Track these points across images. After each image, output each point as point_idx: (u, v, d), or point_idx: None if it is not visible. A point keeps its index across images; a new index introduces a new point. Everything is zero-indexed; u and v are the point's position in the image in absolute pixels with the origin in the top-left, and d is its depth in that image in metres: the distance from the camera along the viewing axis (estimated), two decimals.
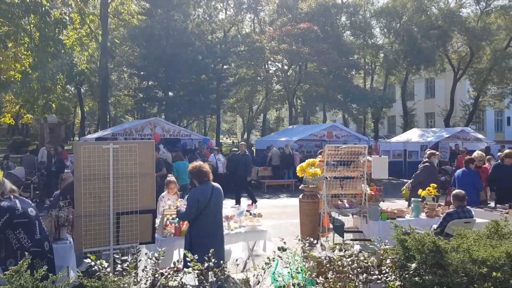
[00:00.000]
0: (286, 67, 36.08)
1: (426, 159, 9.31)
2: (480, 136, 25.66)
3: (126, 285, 3.41)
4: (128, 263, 3.61)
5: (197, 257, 3.92)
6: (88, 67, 26.48)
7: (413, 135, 26.07)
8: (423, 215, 7.53)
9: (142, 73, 34.54)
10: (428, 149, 10.95)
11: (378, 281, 4.15)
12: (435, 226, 6.38)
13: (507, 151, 9.62)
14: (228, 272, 3.96)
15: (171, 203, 6.78)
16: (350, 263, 4.21)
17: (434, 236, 4.14)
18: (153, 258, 3.80)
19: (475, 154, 9.86)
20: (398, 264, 4.18)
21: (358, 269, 4.18)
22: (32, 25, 17.65)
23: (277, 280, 4.42)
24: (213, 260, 3.78)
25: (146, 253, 4.31)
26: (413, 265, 4.01)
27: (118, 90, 40.40)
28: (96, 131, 34.32)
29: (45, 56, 16.76)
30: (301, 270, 4.24)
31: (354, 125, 43.03)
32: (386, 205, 8.50)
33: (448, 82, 36.87)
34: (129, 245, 5.20)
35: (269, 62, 37.00)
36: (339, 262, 4.24)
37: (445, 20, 30.44)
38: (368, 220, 7.15)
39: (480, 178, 9.11)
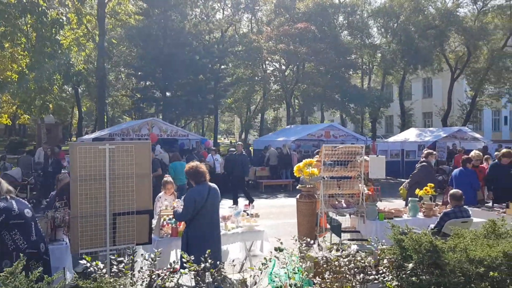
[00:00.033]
0: (283, 67, 36.07)
1: (424, 159, 9.32)
2: (477, 135, 25.70)
3: (122, 286, 3.39)
4: (124, 264, 3.59)
5: (193, 258, 3.91)
6: (85, 67, 26.47)
7: (410, 134, 26.09)
8: (420, 215, 7.53)
9: (139, 73, 34.48)
10: (425, 149, 10.96)
11: (375, 281, 4.14)
12: (432, 225, 6.38)
13: (504, 150, 9.63)
14: (225, 272, 3.95)
15: (167, 204, 6.77)
16: (347, 263, 4.20)
17: (431, 236, 4.13)
18: (149, 259, 3.79)
19: (472, 153, 9.88)
20: (395, 264, 4.17)
21: (355, 269, 4.18)
22: (28, 25, 17.61)
23: (274, 281, 4.40)
24: (209, 260, 3.76)
25: (142, 254, 4.29)
26: (410, 265, 4.01)
27: (115, 91, 40.35)
28: (93, 131, 34.28)
29: (42, 56, 16.72)
30: (298, 270, 4.23)
31: (352, 125, 43.06)
32: (384, 204, 8.49)
33: (445, 82, 36.94)
34: (125, 246, 5.19)
35: (267, 62, 37.01)
36: (336, 263, 4.23)
37: (442, 20, 30.50)
38: (365, 220, 7.14)
39: (477, 178, 9.12)
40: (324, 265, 4.27)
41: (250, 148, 28.29)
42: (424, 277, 3.90)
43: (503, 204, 7.80)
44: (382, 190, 8.65)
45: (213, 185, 5.55)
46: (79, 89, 38.05)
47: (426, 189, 7.66)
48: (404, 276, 3.98)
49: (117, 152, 5.21)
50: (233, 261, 4.33)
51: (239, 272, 5.74)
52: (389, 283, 4.00)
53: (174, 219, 6.12)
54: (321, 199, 6.97)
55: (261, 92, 38.84)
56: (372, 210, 7.16)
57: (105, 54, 27.35)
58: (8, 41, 16.88)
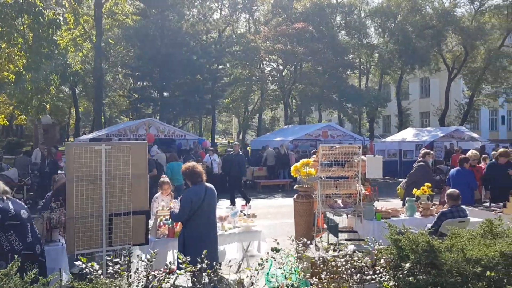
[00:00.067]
0: (281, 67, 36.07)
1: (421, 159, 9.32)
2: (474, 135, 25.74)
3: (117, 287, 3.37)
4: (119, 265, 3.57)
5: (190, 259, 3.89)
6: (82, 67, 26.39)
7: (408, 134, 26.13)
8: (417, 215, 7.53)
9: (137, 73, 34.42)
10: (422, 149, 10.96)
11: (372, 281, 4.13)
12: (429, 225, 6.37)
13: (501, 150, 9.65)
14: (222, 273, 3.94)
15: (164, 204, 6.75)
16: (344, 263, 4.19)
17: (428, 236, 4.13)
18: (145, 260, 3.77)
19: (469, 153, 9.88)
20: (392, 264, 4.16)
21: (352, 270, 4.17)
22: (25, 26, 17.57)
23: (270, 281, 4.39)
24: (206, 261, 3.75)
25: (138, 255, 4.27)
26: (407, 265, 4.00)
27: (113, 91, 40.27)
28: (91, 131, 34.20)
29: (39, 56, 16.69)
30: (295, 271, 4.21)
31: (350, 124, 43.08)
32: (381, 204, 8.49)
33: (442, 82, 36.99)
34: (122, 247, 5.16)
35: (264, 62, 37.00)
36: (333, 263, 4.22)
37: (440, 20, 30.53)
38: (362, 220, 7.14)
39: (474, 177, 9.12)
40: (321, 266, 4.26)
41: (248, 148, 28.28)
42: (421, 277, 3.89)
43: (500, 203, 7.80)
44: (379, 190, 8.64)
45: (210, 185, 5.54)
46: (76, 90, 37.96)
47: (423, 189, 7.66)
48: (401, 276, 3.97)
49: (113, 152, 5.20)
50: (229, 261, 4.31)
51: (236, 272, 5.72)
52: (386, 283, 3.99)
53: (170, 220, 6.10)
54: (318, 199, 6.96)
55: (258, 92, 38.82)
56: (369, 210, 7.16)
57: (102, 55, 27.30)
58: (5, 41, 16.84)
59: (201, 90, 34.03)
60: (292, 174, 7.73)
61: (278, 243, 4.19)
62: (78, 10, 22.82)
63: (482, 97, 34.87)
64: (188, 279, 3.80)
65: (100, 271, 3.47)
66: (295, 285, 4.05)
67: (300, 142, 24.85)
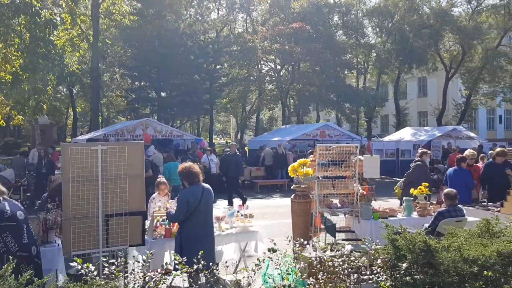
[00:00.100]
0: (278, 67, 36.06)
1: (418, 158, 9.33)
2: (472, 134, 25.77)
3: None
4: (115, 266, 3.55)
5: (186, 259, 3.88)
6: (79, 67, 26.37)
7: (405, 134, 26.14)
8: (415, 214, 7.53)
9: (134, 73, 34.38)
10: (420, 148, 10.98)
11: (370, 281, 4.13)
12: (426, 225, 6.37)
13: (498, 149, 9.66)
14: (218, 273, 3.92)
15: (161, 205, 6.72)
16: (341, 263, 4.18)
17: (425, 236, 4.12)
18: (141, 261, 3.75)
19: (466, 152, 9.88)
20: (389, 264, 4.16)
21: (349, 270, 4.16)
22: (22, 26, 17.52)
23: (267, 282, 4.38)
24: (202, 262, 3.73)
25: (134, 256, 4.25)
26: (404, 265, 3.99)
27: (110, 91, 40.21)
28: (88, 132, 34.13)
29: (36, 57, 16.65)
30: (292, 271, 4.20)
31: (348, 124, 43.11)
32: (378, 204, 8.48)
33: (440, 81, 37.04)
34: (118, 248, 5.14)
35: (262, 62, 36.97)
36: (330, 263, 4.21)
37: (437, 19, 30.58)
38: (360, 219, 7.13)
39: (471, 177, 9.13)
40: (318, 266, 4.24)
41: (246, 148, 28.26)
42: (418, 276, 3.89)
43: (498, 203, 7.80)
44: (377, 190, 8.65)
45: (207, 185, 5.52)
46: (73, 90, 37.88)
47: (420, 189, 7.65)
48: (398, 276, 3.97)
49: (109, 153, 5.17)
50: (225, 262, 4.30)
51: (233, 273, 5.71)
52: (383, 283, 3.98)
53: (167, 220, 6.08)
54: (315, 199, 6.95)
55: (256, 92, 38.79)
56: (367, 209, 7.15)
57: (99, 55, 27.24)
58: (2, 41, 16.79)
59: (198, 90, 34.01)
60: (289, 174, 7.72)
61: (275, 243, 4.18)
62: (75, 10, 22.74)
63: (479, 97, 34.95)
64: (185, 280, 3.78)
65: (95, 272, 3.46)
66: (292, 286, 4.03)
67: (297, 142, 24.84)
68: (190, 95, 32.82)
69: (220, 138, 67.58)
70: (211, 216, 5.62)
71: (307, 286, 4.18)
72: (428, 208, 7.54)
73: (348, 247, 4.79)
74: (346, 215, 7.45)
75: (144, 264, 3.74)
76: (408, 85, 45.15)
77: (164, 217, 6.23)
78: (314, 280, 4.12)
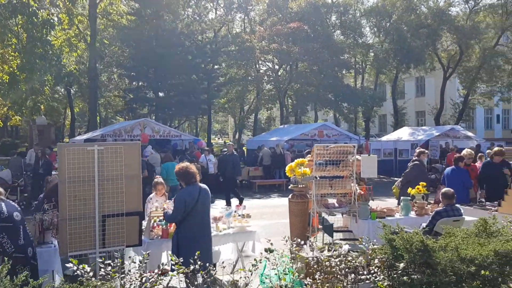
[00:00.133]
0: (276, 67, 36.04)
1: (416, 158, 9.33)
2: (470, 134, 25.81)
3: None
4: (111, 267, 3.54)
5: (183, 260, 3.86)
6: (77, 68, 26.31)
7: (403, 133, 26.17)
8: (412, 214, 7.53)
9: (132, 73, 34.32)
10: (418, 148, 10.98)
11: (367, 281, 4.12)
12: (424, 224, 6.37)
13: (496, 149, 9.66)
14: (215, 274, 3.91)
15: (158, 205, 6.70)
16: (338, 263, 4.17)
17: (423, 235, 4.11)
18: (138, 261, 3.73)
19: (464, 152, 9.89)
20: (386, 263, 4.15)
21: (346, 270, 4.15)
22: (19, 26, 17.47)
23: (264, 282, 4.36)
24: (199, 262, 3.72)
25: (130, 257, 4.24)
26: (402, 265, 3.98)
27: (108, 91, 40.15)
28: (86, 132, 34.08)
29: (33, 57, 16.59)
30: (289, 271, 4.19)
31: (346, 124, 43.12)
32: (376, 204, 8.47)
33: (438, 81, 37.09)
34: (115, 248, 5.13)
35: (260, 62, 36.97)
36: (327, 263, 4.20)
37: (435, 19, 30.60)
38: (357, 219, 7.12)
39: (469, 176, 9.14)
40: (315, 266, 4.23)
41: (244, 148, 28.24)
42: (415, 276, 3.88)
43: (496, 202, 7.80)
44: (375, 189, 8.65)
45: (204, 185, 5.51)
46: (71, 90, 37.82)
47: (418, 188, 7.65)
48: (395, 275, 3.96)
49: (106, 153, 5.15)
50: (222, 262, 4.28)
51: (230, 273, 5.69)
52: (380, 283, 3.97)
53: (164, 221, 6.07)
54: (313, 199, 6.94)
55: (254, 92, 38.79)
56: (364, 209, 7.15)
57: (97, 55, 27.20)
58: None
59: (196, 90, 33.98)
60: (287, 174, 7.71)
61: (271, 244, 4.17)
62: (73, 10, 22.72)
63: (477, 96, 35.00)
64: (181, 281, 3.77)
65: (91, 273, 3.44)
66: (289, 286, 4.02)
67: (295, 141, 24.84)
68: (188, 95, 32.78)
69: (218, 138, 67.59)
70: (208, 216, 5.61)
71: (304, 286, 4.17)
72: (426, 208, 7.53)
73: (346, 247, 4.78)
74: (344, 215, 7.45)
75: (141, 264, 3.72)
76: (406, 85, 45.19)
77: (161, 218, 6.21)
78: (311, 280, 4.11)
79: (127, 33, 30.94)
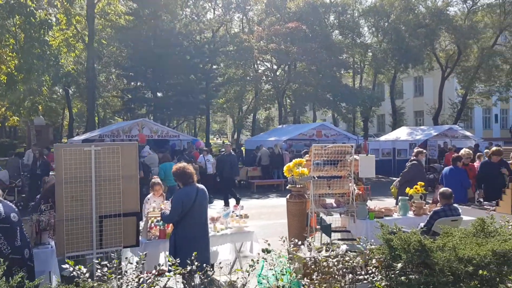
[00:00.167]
0: (275, 67, 36.03)
1: (414, 157, 9.33)
2: (468, 133, 25.83)
3: None
4: (107, 268, 3.52)
5: (180, 260, 3.85)
6: (75, 68, 26.26)
7: (402, 133, 26.19)
8: (410, 214, 7.52)
9: (130, 73, 34.27)
10: (416, 147, 10.98)
11: (365, 281, 4.11)
12: (422, 224, 6.36)
13: (494, 148, 9.66)
14: (213, 274, 3.90)
15: (155, 205, 6.69)
16: (335, 263, 4.16)
17: (420, 235, 4.10)
18: (134, 262, 3.72)
19: (462, 151, 9.90)
20: (384, 264, 4.14)
21: (344, 270, 4.14)
22: (17, 27, 17.44)
23: (261, 283, 4.35)
24: (196, 263, 3.70)
25: (126, 258, 4.22)
26: (399, 265, 3.98)
27: (106, 91, 40.08)
28: (84, 133, 34.01)
29: (30, 57, 16.55)
30: (286, 271, 4.18)
31: (344, 124, 43.14)
32: (374, 203, 8.47)
33: (436, 80, 37.12)
34: (113, 249, 5.11)
35: (258, 62, 36.95)
36: (325, 263, 4.19)
37: (433, 19, 30.62)
38: (356, 219, 7.11)
39: (467, 176, 9.13)
40: (313, 266, 4.22)
41: (242, 148, 28.22)
42: (413, 276, 3.88)
43: (494, 202, 7.80)
44: (373, 189, 8.63)
45: (201, 186, 5.49)
46: (69, 91, 37.76)
47: (416, 188, 7.65)
48: (393, 276, 3.95)
49: (103, 153, 5.15)
50: (220, 263, 4.27)
51: (228, 273, 5.68)
52: (378, 283, 3.96)
53: (161, 221, 6.05)
54: (311, 199, 6.93)
55: (252, 92, 38.77)
56: (363, 209, 7.14)
57: (95, 55, 27.15)
58: None
59: (195, 90, 33.93)
60: (285, 174, 7.69)
61: (269, 244, 4.16)
62: (70, 11, 22.63)
63: (475, 96, 35.03)
64: (177, 282, 3.75)
65: (87, 274, 3.42)
66: (287, 286, 4.01)
67: (294, 141, 24.82)
68: (186, 95, 32.74)
69: (217, 138, 67.55)
70: (206, 217, 5.59)
71: (301, 287, 4.16)
72: (424, 208, 7.53)
73: (343, 247, 4.77)
74: (342, 215, 7.44)
75: (137, 265, 3.71)
76: (404, 85, 45.23)
77: (159, 218, 6.20)
78: (308, 280, 4.10)
79: (125, 33, 30.88)
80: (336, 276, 4.12)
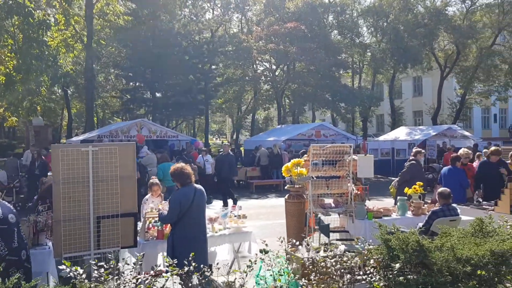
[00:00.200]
0: (274, 67, 36.02)
1: (412, 157, 9.32)
2: (467, 133, 25.86)
3: None
4: (104, 269, 3.50)
5: (178, 261, 3.83)
6: (73, 68, 26.22)
7: (400, 133, 26.20)
8: (409, 214, 7.51)
9: (129, 74, 34.25)
10: (415, 147, 10.98)
11: (363, 282, 4.09)
12: (420, 224, 6.35)
13: (492, 148, 9.66)
14: (210, 275, 3.88)
15: (153, 206, 6.67)
16: (333, 264, 4.15)
17: (418, 235, 4.09)
18: (131, 263, 3.70)
19: (460, 151, 9.89)
20: (382, 264, 4.13)
21: (342, 270, 4.12)
22: (15, 27, 17.40)
23: (259, 284, 4.34)
24: (193, 263, 3.69)
25: (123, 258, 4.21)
26: (397, 265, 3.96)
27: (105, 92, 40.05)
28: (84, 133, 33.97)
29: (29, 58, 16.51)
30: (284, 272, 4.16)
31: (343, 124, 43.12)
32: (373, 203, 8.46)
33: (435, 80, 37.13)
34: (110, 250, 5.10)
35: (257, 62, 36.93)
36: (323, 263, 4.17)
37: (431, 19, 30.63)
38: (354, 219, 7.11)
39: (466, 176, 9.12)
40: (310, 267, 4.21)
41: (241, 148, 28.21)
42: (411, 277, 3.86)
43: (492, 202, 7.80)
44: (372, 189, 8.64)
45: (199, 186, 5.48)
46: (68, 91, 37.72)
47: (414, 188, 7.64)
48: (391, 276, 3.94)
49: (100, 154, 5.14)
50: (217, 264, 4.26)
51: (227, 274, 5.66)
52: (376, 283, 3.95)
53: (159, 222, 6.04)
54: (309, 199, 6.92)
55: (251, 92, 38.78)
56: (361, 209, 7.13)
57: (93, 55, 27.12)
58: None
59: (193, 91, 33.90)
60: (283, 174, 7.68)
61: (266, 245, 4.14)
62: (69, 11, 22.58)
63: (474, 96, 35.05)
64: (174, 283, 3.74)
65: (84, 275, 3.41)
66: (284, 287, 4.00)
67: (293, 141, 24.82)
68: (185, 96, 32.71)
69: (216, 139, 67.51)
70: (204, 217, 5.58)
71: (299, 287, 4.14)
72: (423, 208, 7.52)
73: (342, 248, 4.76)
74: (340, 215, 7.43)
75: (135, 266, 3.69)
76: (403, 85, 45.25)
77: (157, 219, 6.18)
78: (306, 281, 4.08)
79: (124, 33, 30.80)
80: (334, 277, 4.11)
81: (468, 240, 4.08)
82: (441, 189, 6.80)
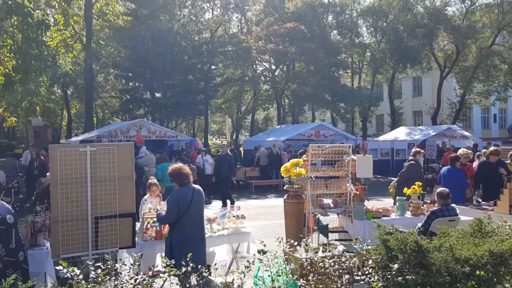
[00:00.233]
0: (273, 67, 36.01)
1: (411, 157, 9.31)
2: (466, 133, 25.85)
3: None
4: (101, 270, 3.49)
5: (176, 262, 3.82)
6: (73, 68, 26.21)
7: (400, 133, 26.19)
8: (408, 214, 7.50)
9: (128, 74, 34.24)
10: (414, 147, 10.96)
11: (361, 282, 4.08)
12: (419, 224, 6.34)
13: (492, 148, 9.65)
14: (208, 275, 3.87)
15: (151, 206, 6.66)
16: (332, 264, 4.14)
17: (417, 236, 4.08)
18: (129, 264, 3.69)
19: (460, 151, 9.88)
20: (381, 264, 4.11)
21: (340, 270, 4.11)
22: (14, 27, 17.39)
23: (257, 284, 4.32)
24: (191, 264, 3.67)
25: (120, 259, 4.19)
26: (396, 266, 3.95)
27: (104, 92, 40.04)
28: (83, 133, 33.94)
29: (28, 58, 16.50)
30: (282, 272, 4.15)
31: (343, 124, 43.12)
32: (372, 204, 8.45)
33: (434, 80, 37.13)
34: (108, 250, 5.08)
35: (256, 62, 36.93)
36: (321, 264, 4.16)
37: (431, 19, 30.63)
38: (353, 219, 7.10)
39: (465, 176, 9.11)
40: (309, 267, 4.20)
41: (241, 148, 28.19)
42: (409, 277, 3.85)
43: (492, 202, 7.79)
44: (372, 189, 8.62)
45: (197, 186, 5.47)
46: (68, 91, 37.71)
47: (414, 188, 7.63)
48: (390, 276, 3.92)
49: (98, 154, 5.12)
50: (215, 264, 4.24)
51: (225, 274, 5.65)
52: (374, 283, 3.94)
53: (158, 222, 6.02)
54: (308, 199, 6.91)
55: (251, 92, 38.76)
56: (360, 209, 7.12)
57: (93, 55, 27.12)
58: None
59: (193, 91, 33.89)
60: (282, 174, 7.68)
61: (264, 245, 4.13)
62: (68, 11, 22.59)
63: (474, 96, 35.05)
64: (173, 283, 3.73)
65: (81, 276, 3.39)
66: (282, 287, 3.99)
67: (292, 142, 24.80)
68: (185, 96, 32.71)
69: (216, 139, 67.50)
70: (202, 218, 5.56)
71: None
72: (422, 208, 7.51)
73: (340, 248, 4.75)
74: (339, 215, 7.42)
75: (132, 266, 3.68)
76: (402, 85, 45.25)
77: (155, 219, 6.17)
78: (305, 281, 4.07)
79: (123, 33, 30.82)
80: (332, 277, 4.10)
81: (467, 241, 4.07)
82: (440, 189, 6.79)
